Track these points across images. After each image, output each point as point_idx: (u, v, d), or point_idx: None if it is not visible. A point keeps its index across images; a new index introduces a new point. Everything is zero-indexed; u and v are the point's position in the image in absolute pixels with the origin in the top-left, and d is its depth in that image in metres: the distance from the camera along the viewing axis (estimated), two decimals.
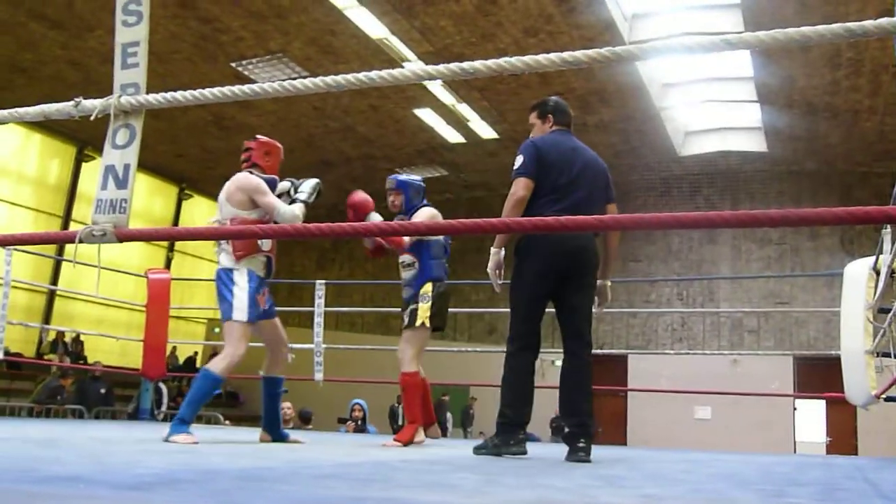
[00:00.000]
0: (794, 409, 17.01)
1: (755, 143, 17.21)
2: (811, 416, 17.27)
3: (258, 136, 4.95)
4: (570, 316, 4.28)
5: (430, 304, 5.26)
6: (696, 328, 18.59)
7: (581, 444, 4.04)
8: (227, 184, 4.73)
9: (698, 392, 13.99)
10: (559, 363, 4.40)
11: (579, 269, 4.24)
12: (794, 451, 15.99)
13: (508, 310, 4.44)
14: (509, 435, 4.13)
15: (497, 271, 4.35)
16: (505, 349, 4.41)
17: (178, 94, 2.27)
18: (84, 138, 17.87)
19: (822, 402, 16.78)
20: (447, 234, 5.00)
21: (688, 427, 16.54)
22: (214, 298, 4.65)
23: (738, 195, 18.73)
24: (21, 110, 2.37)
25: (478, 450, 4.25)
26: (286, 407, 10.79)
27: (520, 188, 4.19)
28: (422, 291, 5.29)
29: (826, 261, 17.34)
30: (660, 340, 18.57)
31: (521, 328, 4.31)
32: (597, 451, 4.26)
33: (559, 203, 4.13)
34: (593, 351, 4.34)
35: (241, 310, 4.47)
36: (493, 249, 4.32)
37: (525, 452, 4.07)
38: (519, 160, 4.23)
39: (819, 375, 13.20)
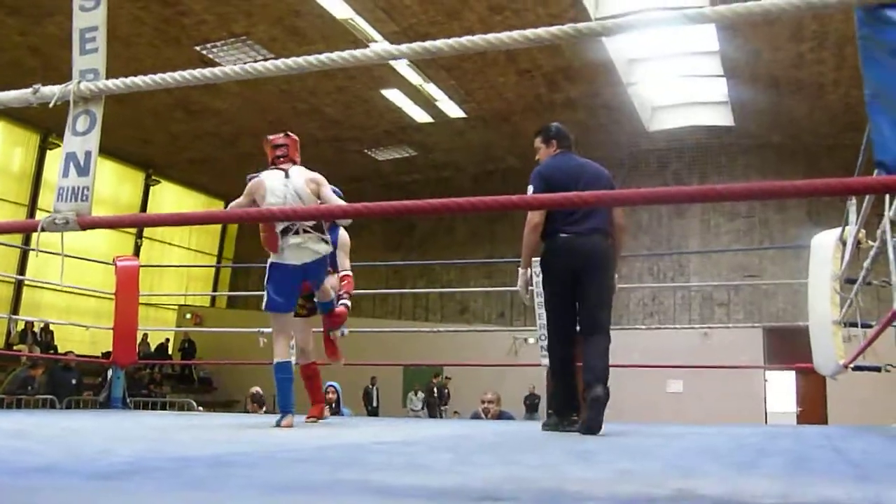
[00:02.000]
0: (766, 380, 17.21)
1: (722, 118, 17.31)
2: (782, 387, 17.50)
3: (289, 133, 5.07)
4: (586, 307, 4.73)
5: None
6: (667, 302, 18.74)
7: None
8: (299, 173, 4.81)
9: (670, 366, 14.10)
10: (532, 341, 4.76)
11: (591, 268, 4.68)
12: (766, 422, 16.18)
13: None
14: (566, 415, 4.64)
15: (527, 288, 4.91)
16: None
17: (139, 80, 2.24)
18: (48, 126, 17.63)
19: (793, 373, 17.00)
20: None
21: (661, 401, 16.68)
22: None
23: (705, 169, 18.85)
24: None
25: (545, 426, 4.77)
26: (255, 391, 10.80)
27: (535, 215, 4.63)
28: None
29: (794, 232, 17.49)
30: (631, 316, 18.68)
31: (553, 324, 4.90)
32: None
33: (571, 216, 4.59)
34: None
35: None
36: (520, 270, 4.82)
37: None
38: (529, 190, 4.63)
39: (789, 346, 13.33)
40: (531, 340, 15.00)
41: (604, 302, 4.75)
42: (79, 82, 2.21)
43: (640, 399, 16.60)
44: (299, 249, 4.63)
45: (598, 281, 4.70)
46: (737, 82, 15.30)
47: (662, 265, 18.89)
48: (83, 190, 2.21)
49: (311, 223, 4.66)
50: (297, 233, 4.61)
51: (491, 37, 1.95)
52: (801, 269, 6.95)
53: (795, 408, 17.49)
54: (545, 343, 7.90)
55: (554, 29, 1.92)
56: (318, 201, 4.69)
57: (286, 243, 4.61)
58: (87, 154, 2.22)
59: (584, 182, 4.64)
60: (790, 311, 17.01)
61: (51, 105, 2.23)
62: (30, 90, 2.24)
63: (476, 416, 8.98)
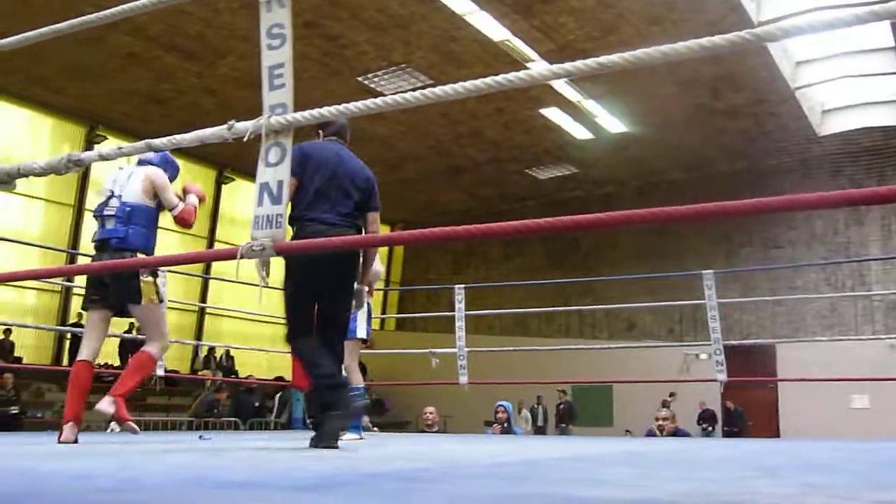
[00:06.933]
0: None
1: None
2: None
3: None
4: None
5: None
6: (847, 313, 17.84)
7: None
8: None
9: (853, 379, 13.42)
10: (704, 356, 4.51)
11: None
12: None
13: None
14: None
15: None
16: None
17: (325, 110, 2.36)
18: (222, 161, 18.62)
19: None
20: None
21: (844, 417, 15.87)
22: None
23: (885, 171, 17.89)
24: (178, 137, 2.51)
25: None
26: (429, 412, 10.90)
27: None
28: None
29: None
30: (808, 328, 17.90)
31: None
32: (749, 443, 4.18)
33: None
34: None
35: None
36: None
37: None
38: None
39: None
40: (703, 356, 14.61)
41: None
42: (269, 117, 2.35)
43: (821, 415, 15.88)
44: None
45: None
46: None
47: (840, 274, 18.01)
48: (277, 217, 2.36)
49: None
50: None
51: (666, 48, 1.94)
52: None
53: None
54: (721, 357, 7.67)
55: (732, 35, 1.91)
56: None
57: None
58: (280, 183, 2.37)
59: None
60: None
61: (245, 139, 2.39)
62: (225, 127, 2.40)
63: (650, 434, 8.84)
